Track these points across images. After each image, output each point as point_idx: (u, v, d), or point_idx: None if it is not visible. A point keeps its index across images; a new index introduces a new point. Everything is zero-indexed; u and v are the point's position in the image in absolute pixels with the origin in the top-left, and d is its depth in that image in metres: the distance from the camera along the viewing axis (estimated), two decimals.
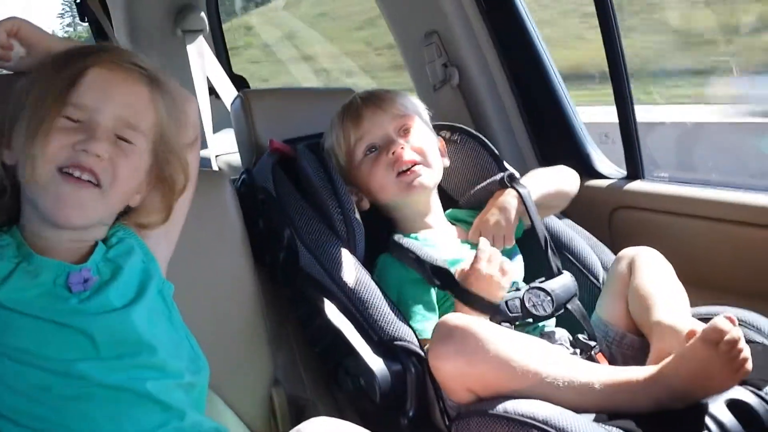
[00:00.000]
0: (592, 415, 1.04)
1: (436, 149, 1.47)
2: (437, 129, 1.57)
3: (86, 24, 2.80)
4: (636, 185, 1.78)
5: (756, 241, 1.53)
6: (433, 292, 1.32)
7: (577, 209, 1.64)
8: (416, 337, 1.22)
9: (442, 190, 1.53)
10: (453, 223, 1.48)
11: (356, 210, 1.39)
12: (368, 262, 1.37)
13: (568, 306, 1.31)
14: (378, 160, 1.41)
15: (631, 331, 1.27)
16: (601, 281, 1.43)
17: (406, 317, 1.26)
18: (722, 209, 1.60)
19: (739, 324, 1.10)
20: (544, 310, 1.28)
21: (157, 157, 1.07)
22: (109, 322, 0.97)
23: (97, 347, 0.95)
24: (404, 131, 1.44)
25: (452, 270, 1.29)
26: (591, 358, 1.24)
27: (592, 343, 1.26)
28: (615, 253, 1.42)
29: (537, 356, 1.08)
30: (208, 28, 2.61)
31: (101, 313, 0.97)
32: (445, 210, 1.50)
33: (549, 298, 1.29)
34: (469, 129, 1.63)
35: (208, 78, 2.53)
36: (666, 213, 1.71)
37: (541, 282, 1.32)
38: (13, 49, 1.06)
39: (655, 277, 1.26)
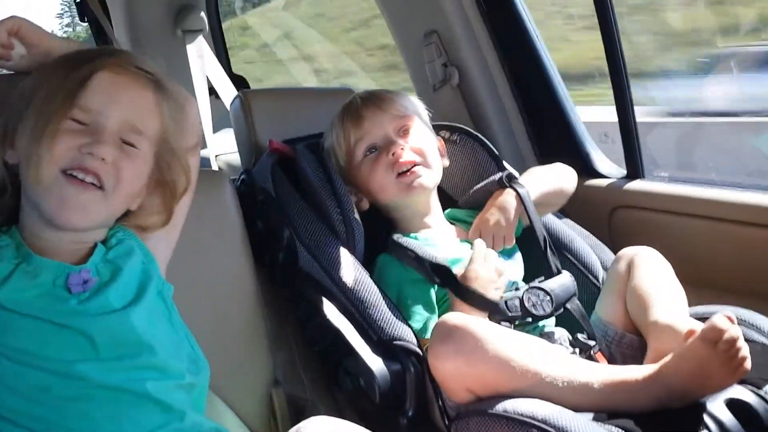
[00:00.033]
0: (592, 415, 1.04)
1: (435, 150, 1.47)
2: (437, 129, 1.57)
3: (85, 24, 2.80)
4: (636, 185, 1.78)
5: (756, 241, 1.53)
6: (433, 291, 1.32)
7: (576, 209, 1.64)
8: (415, 336, 1.22)
9: (441, 190, 1.53)
10: (452, 223, 1.48)
11: (355, 210, 1.39)
12: (368, 263, 1.37)
13: (568, 306, 1.31)
14: (378, 160, 1.41)
15: (630, 330, 1.27)
16: (600, 281, 1.43)
17: (405, 317, 1.26)
18: (722, 209, 1.60)
19: (739, 323, 1.10)
20: (544, 310, 1.28)
21: (159, 162, 1.07)
22: (109, 323, 0.97)
23: (96, 348, 0.95)
24: (404, 132, 1.44)
25: (453, 269, 1.29)
26: (590, 358, 1.24)
27: (592, 343, 1.26)
28: (615, 252, 1.42)
29: (536, 356, 1.08)
30: (207, 27, 2.60)
31: (101, 314, 0.97)
32: (444, 210, 1.50)
33: (548, 297, 1.29)
34: (468, 129, 1.63)
35: (207, 78, 2.53)
36: (666, 212, 1.71)
37: (541, 282, 1.32)
38: (14, 48, 1.06)
39: (653, 277, 1.26)
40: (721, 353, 0.99)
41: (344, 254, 1.33)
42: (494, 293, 1.25)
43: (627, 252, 1.34)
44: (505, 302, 1.26)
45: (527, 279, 1.37)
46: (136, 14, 2.53)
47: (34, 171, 0.96)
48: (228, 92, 2.51)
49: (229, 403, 1.26)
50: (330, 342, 1.27)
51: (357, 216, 1.39)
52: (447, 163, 1.51)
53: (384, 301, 1.25)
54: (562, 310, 1.30)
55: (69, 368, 0.93)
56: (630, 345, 1.26)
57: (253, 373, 1.33)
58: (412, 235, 1.40)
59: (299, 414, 1.29)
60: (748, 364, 1.00)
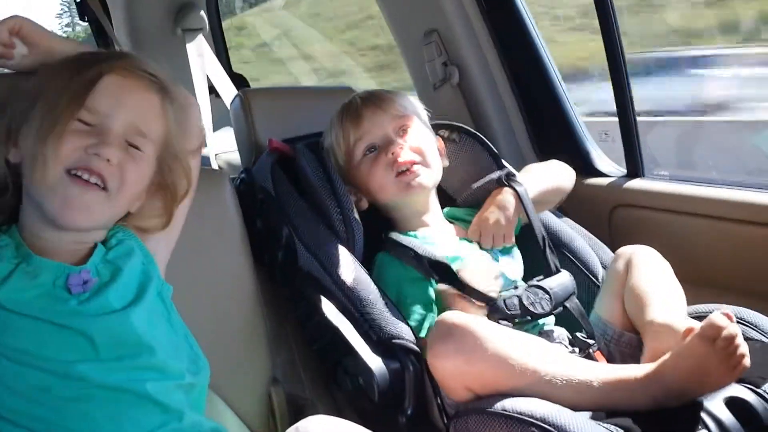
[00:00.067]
0: (590, 413, 1.04)
1: (434, 149, 1.47)
2: (436, 128, 1.57)
3: (85, 24, 2.80)
4: (636, 183, 1.78)
5: (756, 240, 1.53)
6: (432, 290, 1.32)
7: (576, 207, 1.64)
8: (414, 335, 1.22)
9: (440, 189, 1.53)
10: (451, 222, 1.48)
11: (355, 209, 1.39)
12: (367, 262, 1.37)
13: (567, 304, 1.31)
14: (377, 160, 1.41)
15: (629, 329, 1.27)
16: (600, 280, 1.43)
17: (404, 316, 1.26)
18: (722, 207, 1.60)
19: (738, 322, 1.10)
20: (542, 308, 1.28)
21: (162, 165, 1.08)
22: (109, 323, 0.97)
23: (96, 348, 0.95)
24: (403, 131, 1.44)
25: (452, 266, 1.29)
26: (589, 357, 1.24)
27: (591, 342, 1.26)
28: (615, 251, 1.42)
29: (535, 354, 1.08)
30: (207, 26, 2.61)
31: (101, 314, 0.98)
32: (443, 208, 1.50)
33: (547, 296, 1.29)
34: (468, 128, 1.63)
35: (207, 76, 2.53)
36: (666, 211, 1.71)
37: (540, 280, 1.32)
38: (15, 47, 1.06)
39: (651, 276, 1.26)
40: (720, 350, 0.99)
41: (344, 253, 1.33)
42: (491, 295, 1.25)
43: (625, 251, 1.34)
44: (504, 301, 1.26)
45: (526, 278, 1.37)
46: (137, 13, 2.53)
47: (40, 170, 0.97)
48: (228, 91, 2.51)
49: (229, 402, 1.26)
50: (329, 341, 1.27)
51: (356, 215, 1.39)
52: (446, 162, 1.51)
53: (383, 300, 1.25)
54: (561, 308, 1.30)
55: (69, 368, 0.93)
56: (629, 344, 1.26)
57: (252, 372, 1.33)
58: (411, 233, 1.40)
59: (298, 413, 1.29)
60: (746, 362, 1.00)
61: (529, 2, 1.88)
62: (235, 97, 1.66)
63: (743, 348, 1.00)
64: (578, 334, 1.28)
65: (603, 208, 1.81)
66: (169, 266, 1.14)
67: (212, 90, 2.53)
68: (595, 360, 1.23)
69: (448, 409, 1.15)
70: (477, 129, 1.69)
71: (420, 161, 1.41)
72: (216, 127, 2.51)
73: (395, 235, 1.37)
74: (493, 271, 1.32)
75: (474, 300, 1.24)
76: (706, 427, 0.98)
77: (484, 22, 1.92)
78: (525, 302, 1.27)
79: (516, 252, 1.45)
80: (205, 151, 2.31)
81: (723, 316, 1.00)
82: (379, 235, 1.40)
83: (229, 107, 1.72)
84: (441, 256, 1.30)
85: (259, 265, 1.40)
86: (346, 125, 1.45)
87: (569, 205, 1.60)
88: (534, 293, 1.28)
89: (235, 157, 1.88)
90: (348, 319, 1.26)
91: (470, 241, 1.41)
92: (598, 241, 1.54)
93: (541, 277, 1.33)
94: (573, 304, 1.31)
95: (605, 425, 0.99)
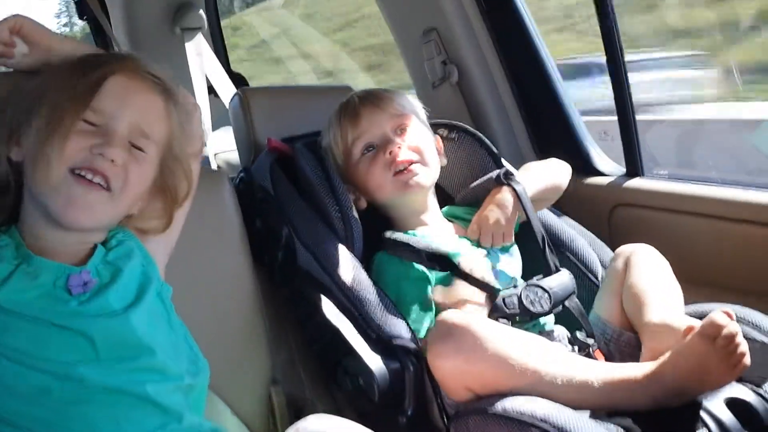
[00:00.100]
0: (591, 413, 1.04)
1: (433, 148, 1.47)
2: (435, 127, 1.57)
3: (82, 24, 2.80)
4: (635, 182, 1.78)
5: (756, 239, 1.53)
6: (431, 290, 1.32)
7: (576, 207, 1.64)
8: (414, 335, 1.22)
9: (439, 188, 1.53)
10: (450, 221, 1.48)
11: (354, 208, 1.39)
12: (366, 261, 1.37)
13: (567, 304, 1.31)
14: (375, 159, 1.41)
15: (628, 328, 1.27)
16: (599, 279, 1.43)
17: (404, 315, 1.25)
18: (722, 207, 1.59)
19: (738, 321, 1.10)
20: (542, 307, 1.27)
21: (163, 167, 1.08)
22: (109, 324, 0.97)
23: (96, 350, 0.95)
24: (401, 130, 1.43)
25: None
26: (589, 356, 1.24)
27: (591, 341, 1.26)
28: (614, 251, 1.41)
29: (536, 354, 1.08)
30: (206, 25, 2.60)
31: (101, 315, 0.98)
32: (441, 207, 1.50)
33: (546, 295, 1.29)
34: (466, 126, 1.63)
35: (206, 76, 2.52)
36: (665, 210, 1.70)
37: (539, 279, 1.32)
38: (16, 46, 1.06)
39: (648, 275, 1.26)
40: (720, 349, 0.99)
41: (343, 253, 1.33)
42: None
43: (625, 249, 1.34)
44: (503, 299, 1.26)
45: (526, 277, 1.37)
46: (135, 12, 2.52)
47: (43, 169, 0.97)
48: (227, 90, 2.50)
49: (229, 402, 1.26)
50: (329, 341, 1.27)
51: (356, 214, 1.39)
52: (445, 161, 1.51)
53: (383, 300, 1.25)
54: (560, 307, 1.30)
55: (69, 370, 0.93)
56: (628, 343, 1.26)
57: (252, 372, 1.33)
58: (410, 232, 1.40)
59: (298, 413, 1.29)
60: (747, 360, 1.00)
61: None
62: (234, 96, 1.66)
63: (743, 346, 1.00)
64: (578, 334, 1.28)
65: (602, 208, 1.81)
66: (169, 266, 1.14)
67: (211, 89, 2.53)
68: (595, 359, 1.23)
69: (448, 410, 1.15)
70: (476, 128, 1.68)
71: (418, 160, 1.41)
72: (215, 126, 2.50)
73: (393, 234, 1.37)
74: (489, 268, 1.32)
75: (476, 287, 1.24)
76: (707, 426, 0.98)
77: (483, 21, 1.92)
78: (524, 301, 1.27)
79: (515, 251, 1.44)
80: (204, 151, 2.30)
81: (723, 314, 1.00)
82: (378, 234, 1.40)
83: (228, 106, 1.71)
84: (439, 247, 1.30)
85: (258, 264, 1.40)
86: (344, 124, 1.45)
87: (569, 205, 1.60)
88: (533, 292, 1.28)
89: (234, 157, 1.87)
90: (348, 318, 1.26)
91: (470, 240, 1.41)
92: (598, 240, 1.54)
93: (541, 276, 1.33)
94: (573, 303, 1.31)
95: (606, 425, 0.99)
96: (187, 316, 1.11)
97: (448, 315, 1.13)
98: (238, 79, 2.82)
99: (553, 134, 1.95)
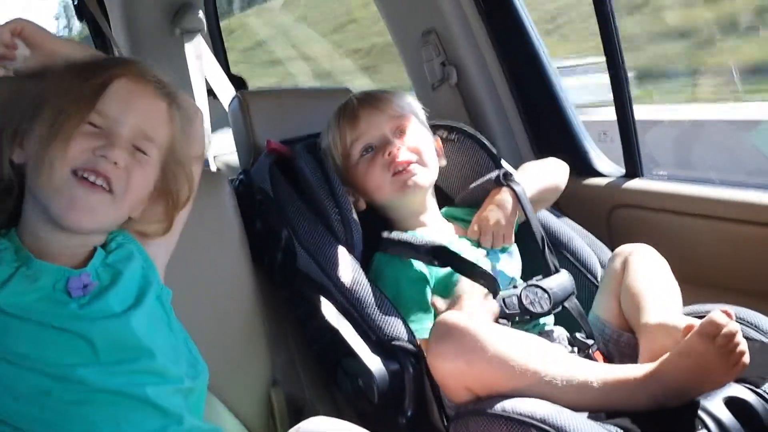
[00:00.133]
0: (590, 414, 1.04)
1: (432, 149, 1.47)
2: (435, 128, 1.57)
3: (80, 27, 2.80)
4: (635, 183, 1.78)
5: (755, 239, 1.53)
6: (430, 291, 1.32)
7: (575, 208, 1.64)
8: (414, 336, 1.22)
9: (438, 189, 1.53)
10: (450, 221, 1.48)
11: (354, 210, 1.39)
12: (366, 263, 1.37)
13: (566, 304, 1.31)
14: (374, 160, 1.41)
15: (627, 329, 1.27)
16: (599, 280, 1.43)
17: (403, 317, 1.25)
18: (721, 207, 1.60)
19: (738, 322, 1.10)
20: (542, 307, 1.28)
21: (165, 171, 1.09)
22: (109, 327, 0.97)
23: (96, 352, 0.95)
24: (400, 132, 1.44)
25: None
26: (589, 357, 1.24)
27: (590, 342, 1.26)
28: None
29: (535, 355, 1.08)
30: (206, 27, 2.60)
31: (101, 318, 0.98)
32: (441, 208, 1.50)
33: (546, 295, 1.29)
34: (466, 128, 1.63)
35: (206, 78, 2.52)
36: (665, 211, 1.70)
37: (539, 280, 1.32)
38: (18, 49, 1.06)
39: (646, 275, 1.26)
40: (720, 348, 0.99)
41: (343, 254, 1.33)
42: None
43: (623, 249, 1.34)
44: (503, 300, 1.26)
45: (525, 277, 1.37)
46: (135, 14, 2.52)
47: (46, 171, 0.97)
48: (226, 92, 2.50)
49: (228, 403, 1.26)
50: (329, 342, 1.27)
51: (355, 216, 1.39)
52: (444, 162, 1.51)
53: (382, 301, 1.25)
54: (560, 308, 1.30)
55: (69, 372, 0.93)
56: (627, 344, 1.26)
57: (252, 373, 1.33)
58: (409, 232, 1.40)
59: (298, 414, 1.30)
60: (746, 359, 1.00)
61: None
62: (234, 98, 1.66)
63: (743, 345, 1.00)
64: (577, 335, 1.28)
65: (602, 209, 1.81)
66: (169, 268, 1.14)
67: (210, 91, 2.53)
68: (595, 360, 1.23)
69: (448, 411, 1.15)
70: (475, 129, 1.68)
71: (417, 161, 1.41)
72: (214, 128, 2.50)
73: (386, 234, 1.37)
74: (489, 269, 1.32)
75: (477, 280, 1.24)
76: (706, 427, 0.98)
77: (482, 22, 1.92)
78: (524, 301, 1.27)
79: (515, 251, 1.44)
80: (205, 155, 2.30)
81: (722, 313, 1.00)
82: (378, 236, 1.40)
83: (227, 109, 1.71)
84: (437, 242, 1.30)
85: (258, 266, 1.40)
86: (343, 126, 1.45)
87: (568, 205, 1.60)
88: (533, 292, 1.29)
89: (234, 159, 1.88)
90: (347, 319, 1.26)
91: (470, 240, 1.41)
92: (597, 241, 1.54)
93: (540, 276, 1.33)
94: (572, 304, 1.31)
95: (605, 426, 0.99)
96: (187, 318, 1.11)
97: (447, 316, 1.13)
98: (237, 82, 2.82)
99: (552, 135, 1.95)
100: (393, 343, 1.20)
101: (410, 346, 1.20)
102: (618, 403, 1.03)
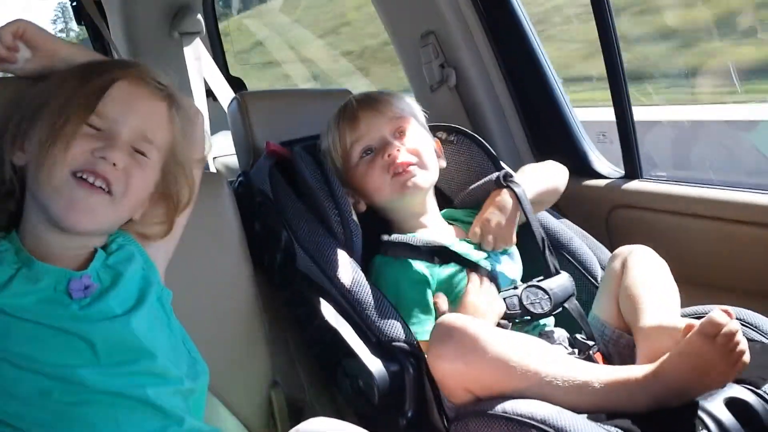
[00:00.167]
0: (590, 415, 1.03)
1: (432, 150, 1.47)
2: (434, 130, 1.57)
3: (78, 30, 2.80)
4: (634, 185, 1.78)
5: (754, 240, 1.53)
6: (430, 292, 1.32)
7: (575, 209, 1.64)
8: (414, 337, 1.22)
9: (438, 191, 1.53)
10: (450, 223, 1.48)
11: (353, 212, 1.39)
12: (366, 265, 1.37)
13: (566, 305, 1.31)
14: (374, 162, 1.41)
15: (627, 330, 1.27)
16: (599, 281, 1.43)
17: (403, 318, 1.25)
18: (720, 208, 1.60)
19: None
20: (542, 308, 1.28)
21: (166, 173, 1.09)
22: (110, 328, 0.98)
23: (97, 354, 0.95)
24: (400, 133, 1.44)
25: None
26: (589, 358, 1.24)
27: (590, 343, 1.26)
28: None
29: (535, 356, 1.08)
30: (204, 30, 2.60)
31: (102, 319, 0.98)
32: (441, 210, 1.50)
33: (546, 296, 1.29)
34: (465, 129, 1.63)
35: (205, 80, 2.53)
36: (664, 212, 1.71)
37: (539, 281, 1.32)
38: (19, 50, 1.06)
39: (645, 276, 1.26)
40: (720, 347, 0.99)
41: (342, 256, 1.33)
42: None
43: (622, 250, 1.34)
44: (504, 300, 1.26)
45: (526, 279, 1.37)
46: (133, 17, 2.53)
47: (46, 172, 0.97)
48: (225, 94, 2.51)
49: (229, 404, 1.26)
50: (328, 343, 1.27)
51: (355, 218, 1.39)
52: (444, 164, 1.51)
53: (382, 302, 1.25)
54: (560, 309, 1.30)
55: (69, 373, 0.93)
56: (627, 345, 1.26)
57: (252, 374, 1.33)
58: (409, 234, 1.40)
59: (298, 415, 1.30)
60: (746, 358, 1.00)
61: None
62: (233, 100, 1.66)
63: (743, 344, 1.00)
64: (578, 336, 1.28)
65: (601, 210, 1.81)
66: (169, 269, 1.15)
67: (209, 93, 2.53)
68: (595, 361, 1.23)
69: (448, 412, 1.15)
70: (474, 131, 1.68)
71: (417, 162, 1.41)
72: (213, 130, 2.50)
73: (392, 236, 1.37)
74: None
75: (479, 275, 1.25)
76: (706, 427, 0.98)
77: (480, 24, 1.92)
78: (524, 302, 1.27)
79: (515, 253, 1.44)
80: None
81: (722, 313, 1.00)
82: (378, 238, 1.40)
83: (226, 110, 1.71)
84: (438, 242, 1.30)
85: (257, 267, 1.40)
86: (342, 128, 1.45)
87: (567, 206, 1.60)
88: (533, 293, 1.29)
89: (233, 161, 1.88)
90: (347, 321, 1.26)
91: (470, 242, 1.41)
92: (597, 242, 1.54)
93: (541, 278, 1.33)
94: (572, 305, 1.31)
95: (606, 427, 0.99)
96: (187, 319, 1.11)
97: (448, 317, 1.13)
98: (236, 83, 2.83)
99: (551, 136, 1.95)
100: (393, 344, 1.20)
101: (410, 347, 1.20)
102: (618, 403, 1.03)
